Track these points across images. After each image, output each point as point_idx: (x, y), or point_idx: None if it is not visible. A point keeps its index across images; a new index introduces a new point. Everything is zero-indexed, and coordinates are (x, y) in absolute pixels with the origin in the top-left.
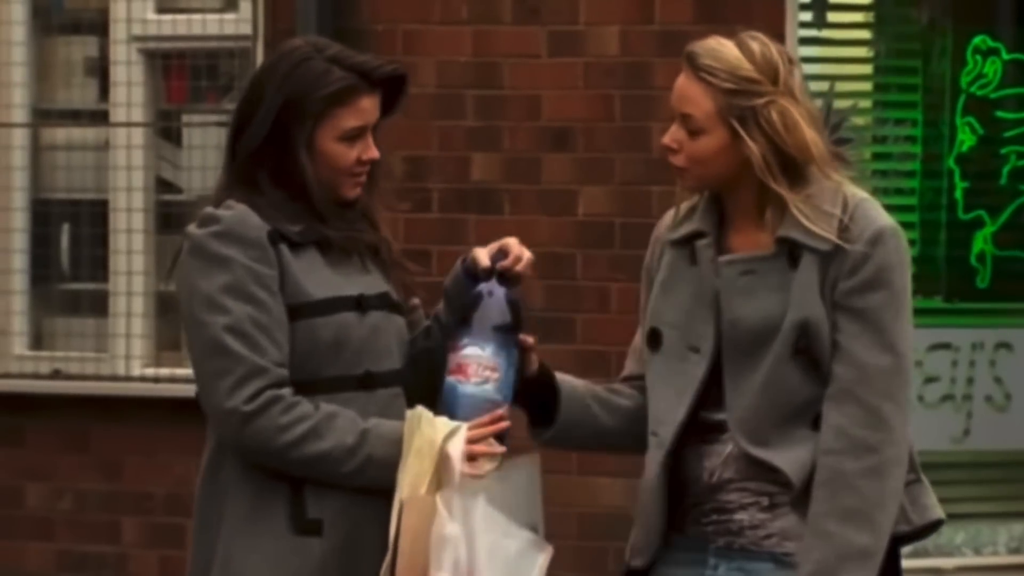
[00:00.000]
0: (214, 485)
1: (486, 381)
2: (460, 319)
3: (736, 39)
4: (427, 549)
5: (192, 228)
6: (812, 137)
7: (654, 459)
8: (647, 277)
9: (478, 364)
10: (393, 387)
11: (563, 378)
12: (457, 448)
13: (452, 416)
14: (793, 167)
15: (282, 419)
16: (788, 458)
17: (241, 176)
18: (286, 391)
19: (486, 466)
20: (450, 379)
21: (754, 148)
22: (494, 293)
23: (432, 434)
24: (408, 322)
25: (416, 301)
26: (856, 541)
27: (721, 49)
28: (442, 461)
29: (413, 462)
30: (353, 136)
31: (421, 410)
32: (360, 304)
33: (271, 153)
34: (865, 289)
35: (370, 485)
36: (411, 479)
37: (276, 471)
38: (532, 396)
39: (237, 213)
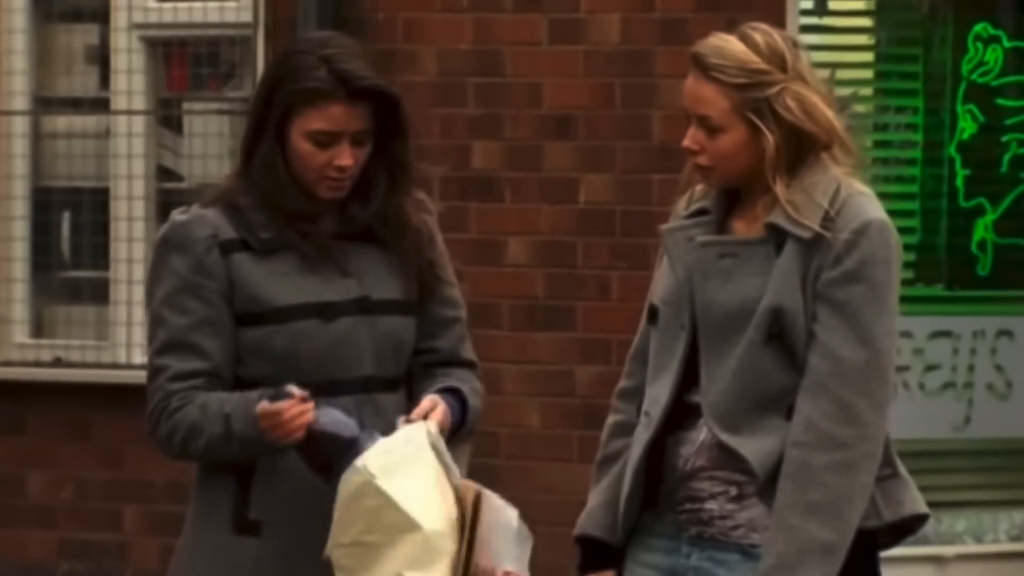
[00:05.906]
0: (198, 473)
1: None
2: None
3: (738, 32)
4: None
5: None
6: (833, 115)
7: (641, 441)
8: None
9: None
10: (359, 394)
11: (593, 519)
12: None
13: None
14: (803, 156)
15: (165, 428)
16: (754, 447)
17: (242, 167)
18: (175, 395)
19: None
20: None
21: (771, 140)
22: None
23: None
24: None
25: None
26: (818, 535)
27: (727, 46)
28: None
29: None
30: (322, 140)
31: None
32: (323, 312)
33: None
34: (846, 281)
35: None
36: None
37: (219, 467)
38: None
39: (188, 219)
